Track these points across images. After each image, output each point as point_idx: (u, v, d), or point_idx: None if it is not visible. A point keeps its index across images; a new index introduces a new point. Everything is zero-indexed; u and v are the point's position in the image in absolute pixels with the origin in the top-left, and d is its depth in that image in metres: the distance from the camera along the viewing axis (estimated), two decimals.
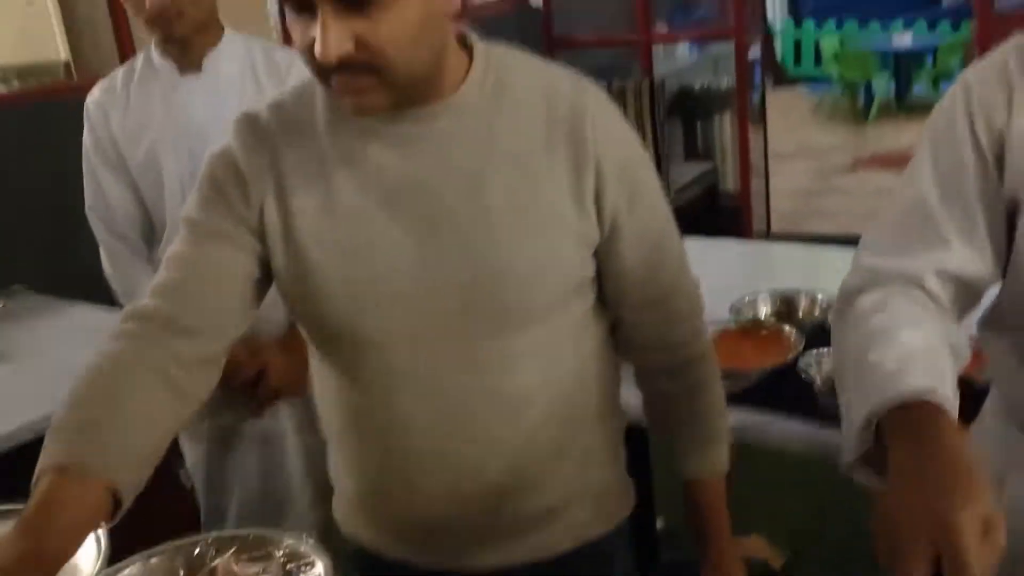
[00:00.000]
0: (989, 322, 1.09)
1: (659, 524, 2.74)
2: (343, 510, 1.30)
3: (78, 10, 7.74)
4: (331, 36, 0.96)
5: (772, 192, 5.36)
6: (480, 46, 1.14)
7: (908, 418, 0.83)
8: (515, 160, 1.10)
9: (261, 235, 1.12)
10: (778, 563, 2.67)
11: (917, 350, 0.89)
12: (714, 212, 5.17)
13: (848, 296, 1.02)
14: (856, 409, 0.87)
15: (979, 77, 1.02)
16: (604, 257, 1.16)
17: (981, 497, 0.72)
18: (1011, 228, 1.02)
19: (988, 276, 1.04)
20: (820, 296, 2.02)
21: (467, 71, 1.11)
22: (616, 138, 1.14)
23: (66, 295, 2.80)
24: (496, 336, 1.11)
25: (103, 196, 1.99)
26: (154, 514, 1.11)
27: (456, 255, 1.09)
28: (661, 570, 2.36)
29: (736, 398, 1.78)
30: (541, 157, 1.10)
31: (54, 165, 2.95)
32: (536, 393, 1.14)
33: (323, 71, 1.01)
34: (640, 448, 2.45)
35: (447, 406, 1.12)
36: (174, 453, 2.31)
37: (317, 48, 0.97)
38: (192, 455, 2.12)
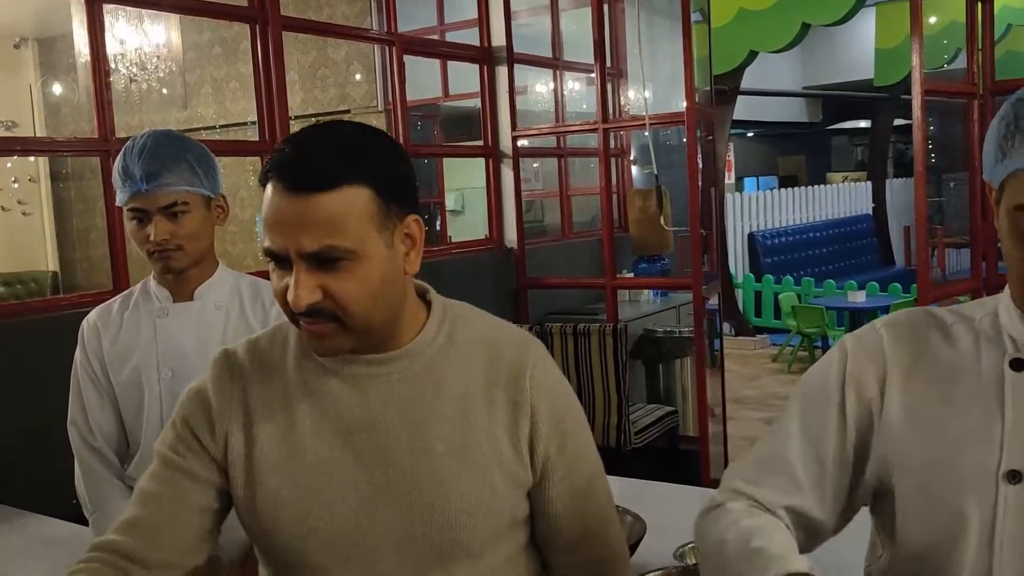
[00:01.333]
0: (876, 571, 1.20)
1: None
2: None
3: (72, 224, 8.05)
4: (302, 287, 1.14)
5: (730, 438, 5.48)
6: (438, 301, 1.31)
7: None
8: (459, 405, 1.23)
9: (224, 465, 1.25)
10: None
11: (790, 544, 1.01)
12: (674, 455, 5.27)
13: (714, 504, 1.15)
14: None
15: (855, 348, 1.18)
16: (534, 500, 1.27)
17: None
18: (878, 502, 1.16)
19: (830, 525, 1.17)
20: None
21: (424, 323, 1.27)
22: (551, 390, 1.27)
23: (28, 507, 2.82)
24: (434, 568, 1.21)
25: (84, 413, 2.09)
26: None
27: (401, 491, 1.20)
28: None
29: None
30: (482, 403, 1.24)
31: (31, 378, 3.06)
32: None
33: (293, 314, 1.17)
34: None
35: None
36: None
37: (290, 295, 1.15)
38: None
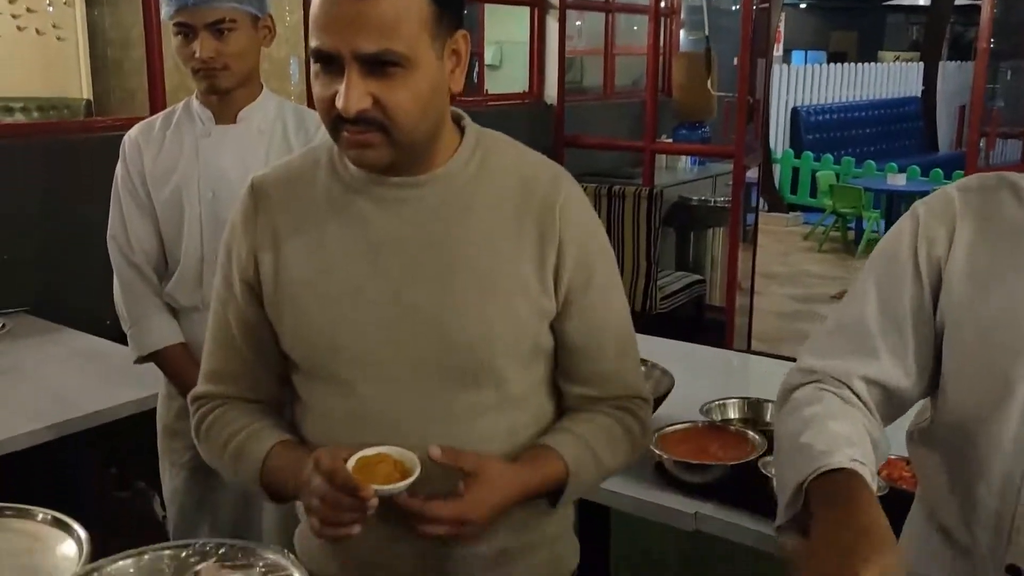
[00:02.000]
0: (920, 437, 1.20)
1: None
2: (305, 543, 1.37)
3: (106, 51, 7.94)
4: (353, 92, 1.10)
5: (755, 311, 5.49)
6: (472, 127, 1.28)
7: (831, 486, 0.94)
8: (488, 232, 1.23)
9: (258, 281, 1.27)
10: None
11: (843, 436, 1.01)
12: (699, 323, 5.30)
13: (787, 391, 1.14)
14: (788, 480, 0.98)
15: (927, 210, 1.15)
16: (556, 332, 1.28)
17: (885, 554, 0.84)
18: (940, 354, 1.14)
19: (913, 391, 1.15)
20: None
21: (457, 148, 1.25)
22: (581, 225, 1.26)
23: (65, 322, 2.89)
24: (460, 390, 1.22)
25: (124, 227, 2.10)
26: (124, 545, 1.20)
27: (427, 310, 1.21)
28: None
29: (700, 489, 1.89)
30: (511, 232, 1.23)
31: (68, 198, 3.08)
32: (495, 447, 1.24)
33: (338, 122, 1.14)
34: (601, 531, 2.51)
35: (411, 450, 1.19)
36: (151, 483, 2.37)
37: (339, 101, 1.11)
38: (170, 484, 2.18)
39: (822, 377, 1.12)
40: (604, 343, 1.29)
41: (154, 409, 2.21)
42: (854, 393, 1.11)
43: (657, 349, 2.43)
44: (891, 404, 1.14)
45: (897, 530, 1.31)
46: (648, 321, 4.70)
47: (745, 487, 1.82)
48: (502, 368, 1.23)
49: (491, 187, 1.24)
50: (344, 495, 1.11)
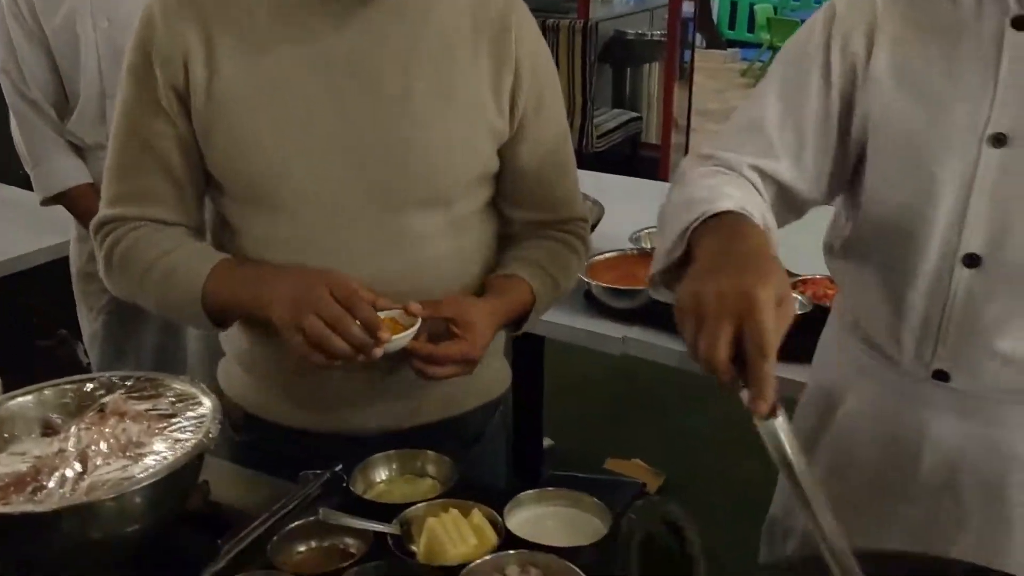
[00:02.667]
0: (842, 248, 1.17)
1: (545, 443, 2.86)
2: (228, 376, 1.33)
3: None
4: None
5: (691, 149, 5.47)
6: None
7: (718, 224, 0.89)
8: (444, 48, 1.16)
9: (187, 91, 1.14)
10: (655, 485, 2.80)
11: (735, 195, 0.95)
12: (634, 160, 5.26)
13: (680, 174, 1.08)
14: (671, 229, 0.93)
15: (844, 4, 1.07)
16: (506, 156, 1.23)
17: (777, 276, 0.78)
18: (860, 164, 1.10)
19: (809, 195, 1.10)
20: None
21: None
22: (535, 48, 1.22)
23: None
24: (411, 215, 1.17)
25: (15, 57, 1.95)
26: None
27: (378, 125, 1.14)
28: (543, 482, 2.45)
29: (627, 314, 1.89)
30: (468, 50, 1.17)
31: None
32: (443, 272, 1.21)
33: None
34: (535, 360, 2.54)
35: (356, 275, 1.15)
36: (73, 331, 2.31)
37: None
38: (89, 329, 2.13)
39: (718, 163, 1.07)
40: (554, 166, 1.28)
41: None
42: (748, 180, 1.06)
43: (589, 181, 2.39)
44: (784, 201, 1.10)
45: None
46: (584, 160, 4.64)
47: (670, 309, 1.83)
48: (454, 192, 1.20)
49: (448, 3, 1.18)
50: (356, 330, 1.05)
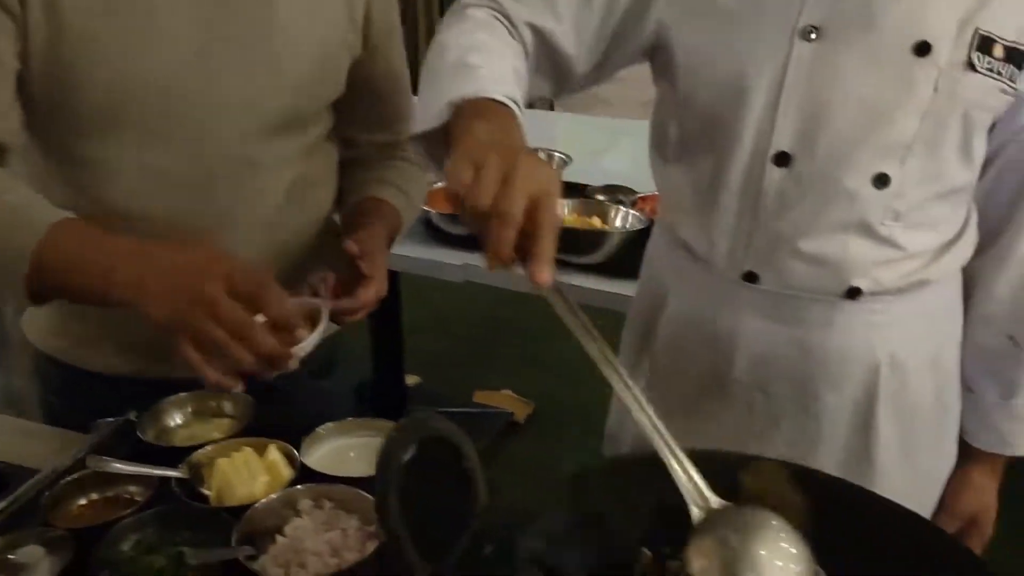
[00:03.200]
0: (658, 149, 1.15)
1: (411, 381, 2.82)
2: (33, 321, 1.23)
3: None
4: None
5: None
6: None
7: (487, 109, 0.84)
8: None
9: (20, 8, 0.99)
10: (524, 414, 2.80)
11: (512, 75, 0.91)
12: None
13: (463, 5, 1.02)
14: (446, 91, 0.87)
15: None
16: (356, 75, 1.20)
17: (548, 168, 0.76)
18: (659, 63, 1.07)
19: (578, 68, 1.05)
20: (556, 155, 2.22)
21: None
22: None
23: None
24: (270, 138, 1.12)
25: None
26: None
27: (242, 41, 1.07)
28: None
29: (468, 241, 1.85)
30: None
31: None
32: (296, 196, 1.17)
33: None
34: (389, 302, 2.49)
35: (220, 207, 1.10)
36: None
37: None
38: None
39: (497, 9, 1.01)
40: (402, 88, 1.29)
41: None
42: (521, 40, 1.01)
43: None
44: (557, 70, 1.05)
45: None
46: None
47: None
48: (311, 112, 1.17)
49: None
50: (266, 339, 0.85)
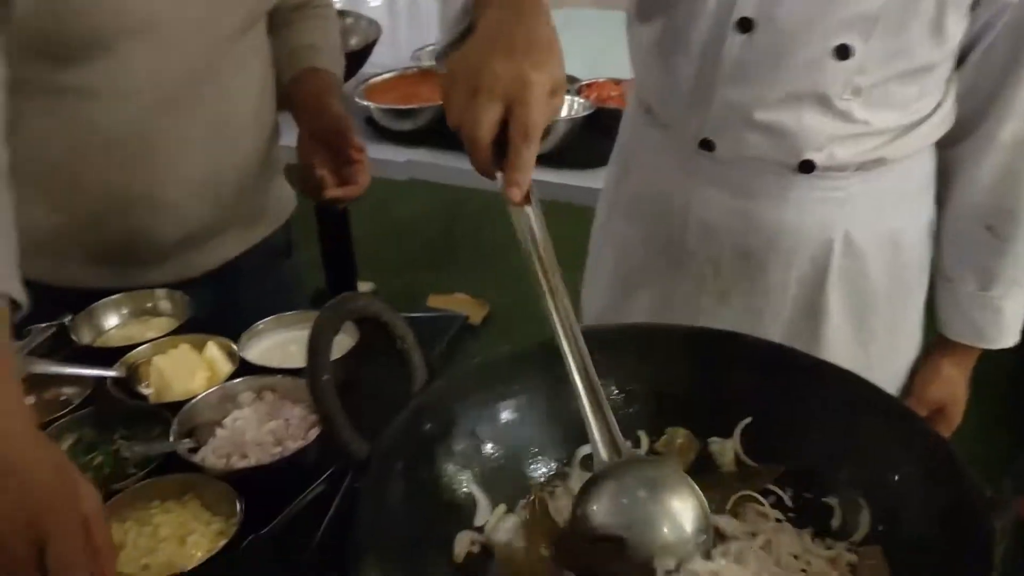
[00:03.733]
0: (634, 7, 1.11)
1: (366, 288, 2.80)
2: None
3: None
4: None
5: None
6: None
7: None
8: None
9: None
10: (480, 315, 2.79)
11: None
12: None
13: None
14: None
15: None
16: None
17: (555, 64, 0.75)
18: None
19: None
20: None
21: None
22: None
23: None
24: (230, 41, 1.12)
25: None
26: None
27: None
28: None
29: (412, 136, 1.81)
30: None
31: None
32: (254, 96, 1.18)
33: None
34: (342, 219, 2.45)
35: (182, 115, 1.09)
36: None
37: None
38: None
39: None
40: None
41: None
42: None
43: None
44: None
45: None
46: None
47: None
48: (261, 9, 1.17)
49: None
50: None
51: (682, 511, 0.68)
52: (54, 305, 1.08)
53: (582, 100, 1.79)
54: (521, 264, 0.75)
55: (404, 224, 3.20)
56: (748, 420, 0.78)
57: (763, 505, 0.74)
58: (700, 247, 1.10)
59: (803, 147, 1.00)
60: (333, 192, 1.15)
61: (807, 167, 1.01)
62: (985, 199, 1.07)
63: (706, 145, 1.05)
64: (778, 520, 0.74)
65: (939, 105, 1.03)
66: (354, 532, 0.62)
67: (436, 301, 2.85)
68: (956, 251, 1.12)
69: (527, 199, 0.73)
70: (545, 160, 1.71)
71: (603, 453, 0.70)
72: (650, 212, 1.14)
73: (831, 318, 1.08)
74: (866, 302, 1.09)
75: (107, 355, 0.98)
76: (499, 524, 0.74)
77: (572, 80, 1.94)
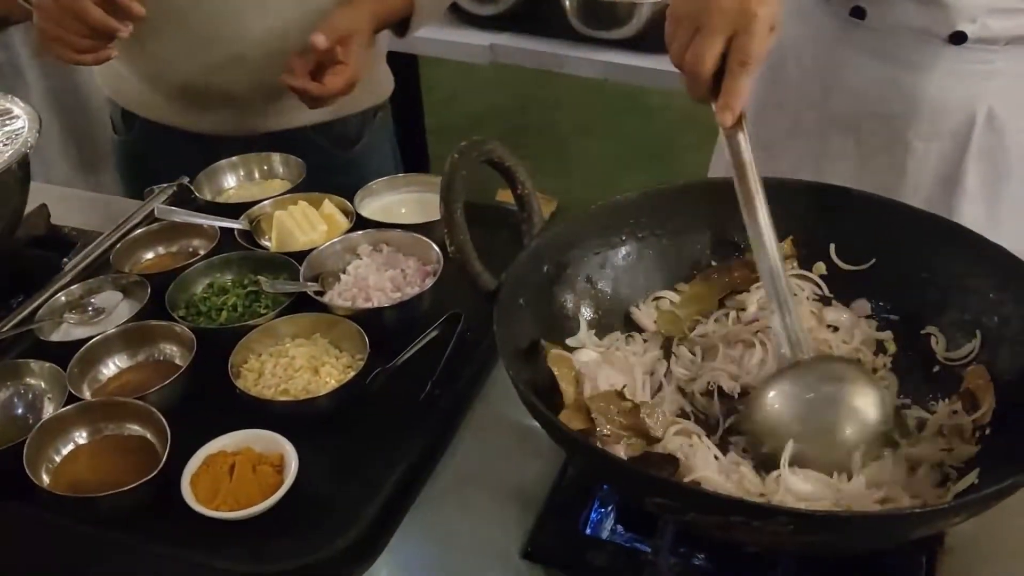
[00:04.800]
0: None
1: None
2: (108, 68, 1.21)
3: None
4: None
5: None
6: None
7: None
8: None
9: None
10: (548, 211, 2.83)
11: None
12: None
13: None
14: None
15: None
16: None
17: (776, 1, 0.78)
18: None
19: None
20: None
21: None
22: None
23: None
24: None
25: None
26: None
27: None
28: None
29: (494, 21, 1.82)
30: None
31: None
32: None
33: None
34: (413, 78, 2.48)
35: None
36: None
37: None
38: None
39: None
40: None
41: None
42: None
43: None
44: None
45: None
46: None
47: (537, 12, 1.77)
48: None
49: None
50: (94, 10, 0.97)
51: (864, 407, 0.71)
52: (185, 151, 1.18)
53: None
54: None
55: (476, 117, 3.22)
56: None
57: None
58: (843, 111, 1.10)
59: (957, 17, 0.99)
60: (289, 80, 1.09)
61: (958, 38, 1.00)
62: None
63: (857, 12, 1.05)
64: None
65: None
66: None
67: (505, 196, 2.88)
68: None
69: (739, 123, 0.76)
70: (629, 45, 1.70)
71: (787, 350, 0.74)
72: (793, 72, 1.14)
73: (967, 192, 1.08)
74: (1000, 179, 1.08)
75: (228, 210, 1.05)
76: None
77: None
